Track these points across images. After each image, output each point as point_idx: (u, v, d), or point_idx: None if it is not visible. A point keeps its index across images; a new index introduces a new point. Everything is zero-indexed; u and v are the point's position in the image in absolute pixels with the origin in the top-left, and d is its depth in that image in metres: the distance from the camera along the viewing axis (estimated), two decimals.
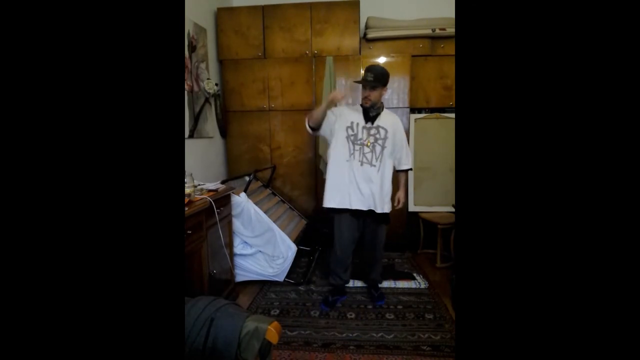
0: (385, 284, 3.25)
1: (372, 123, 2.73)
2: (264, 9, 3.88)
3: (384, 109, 2.80)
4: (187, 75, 3.27)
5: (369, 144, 2.70)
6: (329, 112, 2.73)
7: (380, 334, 2.48)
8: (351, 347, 2.34)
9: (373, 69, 2.63)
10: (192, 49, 3.38)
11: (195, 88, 3.41)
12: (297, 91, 3.92)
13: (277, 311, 2.85)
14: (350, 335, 2.48)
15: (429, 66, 3.94)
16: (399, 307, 2.87)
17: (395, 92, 3.87)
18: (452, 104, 3.97)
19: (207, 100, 3.61)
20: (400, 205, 2.91)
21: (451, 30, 3.81)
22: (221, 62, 4.02)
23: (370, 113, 2.73)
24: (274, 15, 3.87)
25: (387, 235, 3.98)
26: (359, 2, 3.80)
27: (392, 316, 2.73)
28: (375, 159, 2.71)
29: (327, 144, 3.79)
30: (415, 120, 4.04)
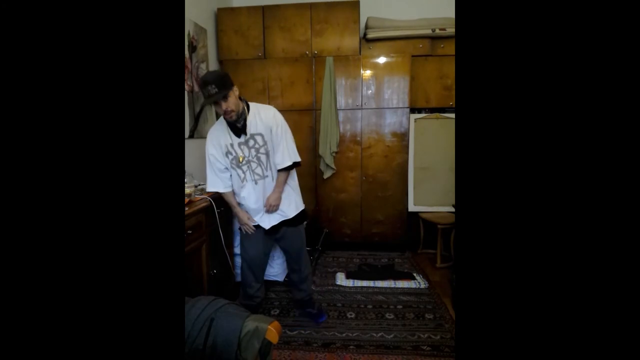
0: (386, 283, 3.24)
1: (245, 134, 2.34)
2: (264, 9, 3.88)
3: (250, 109, 2.36)
4: (187, 76, 3.27)
5: (253, 158, 2.38)
6: (216, 154, 2.40)
7: (380, 334, 2.48)
8: (351, 347, 2.34)
9: (209, 79, 2.15)
10: (193, 49, 3.37)
11: (196, 88, 3.41)
12: (297, 91, 3.91)
13: (277, 311, 2.84)
14: (350, 335, 2.48)
15: (429, 66, 3.93)
16: (399, 307, 2.86)
17: (395, 92, 3.86)
18: (452, 104, 3.96)
19: None
20: (268, 208, 2.45)
21: (451, 30, 3.81)
22: (221, 62, 4.02)
23: (238, 124, 2.32)
24: (274, 15, 3.87)
25: (387, 234, 4.08)
26: (358, 2, 3.79)
27: (392, 316, 2.72)
28: (266, 169, 2.41)
29: (326, 145, 3.82)
30: (415, 120, 4.04)
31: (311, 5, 3.83)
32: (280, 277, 3.24)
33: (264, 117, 2.36)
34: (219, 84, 2.13)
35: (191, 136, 3.33)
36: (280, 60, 3.91)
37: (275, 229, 2.53)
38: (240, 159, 2.37)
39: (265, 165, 2.40)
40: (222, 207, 2.61)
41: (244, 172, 2.39)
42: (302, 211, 2.62)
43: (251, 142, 2.35)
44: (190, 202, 2.41)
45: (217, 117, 3.78)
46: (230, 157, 2.37)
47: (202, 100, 3.47)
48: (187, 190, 2.36)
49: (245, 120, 2.32)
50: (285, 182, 2.47)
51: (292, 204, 2.55)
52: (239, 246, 3.10)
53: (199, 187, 2.76)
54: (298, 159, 2.47)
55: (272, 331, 1.39)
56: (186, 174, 2.35)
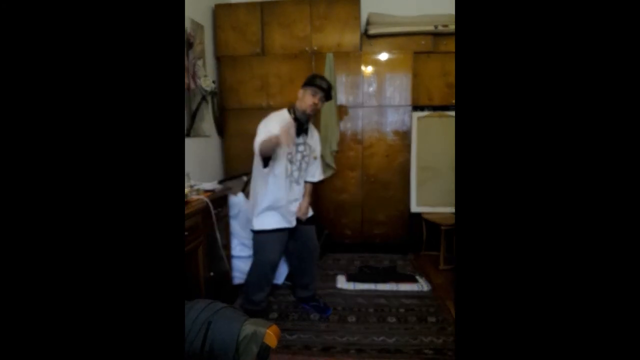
0: (387, 286, 3.18)
1: (306, 135, 2.57)
2: (262, 5, 3.83)
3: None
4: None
5: (297, 162, 2.56)
6: (272, 128, 2.27)
7: (381, 338, 2.43)
8: (352, 352, 2.29)
9: (327, 80, 2.54)
10: (189, 45, 3.31)
11: (192, 86, 3.34)
12: (297, 88, 3.68)
13: (276, 314, 2.79)
14: (351, 339, 2.43)
15: (432, 63, 3.87)
16: (401, 310, 2.80)
17: (397, 89, 3.81)
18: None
19: (204, 98, 3.53)
20: (302, 215, 2.67)
21: (454, 26, 3.73)
22: (218, 59, 3.96)
23: (305, 125, 2.54)
24: (273, 11, 3.81)
25: (389, 235, 4.05)
26: None
27: (394, 320, 2.67)
28: (300, 178, 2.62)
29: (326, 144, 3.75)
30: (418, 118, 3.98)
31: (311, 0, 3.77)
32: (280, 280, 3.18)
33: (315, 135, 2.70)
34: (330, 87, 2.51)
35: (187, 135, 3.27)
36: (279, 57, 3.85)
37: (295, 228, 2.68)
38: (298, 160, 2.56)
39: (302, 173, 2.62)
40: (218, 207, 2.57)
41: (291, 170, 2.54)
42: (314, 215, 2.83)
43: (301, 147, 2.55)
44: (187, 202, 2.36)
45: (214, 115, 3.77)
46: (287, 149, 2.44)
47: (200, 92, 3.41)
48: None
49: (309, 126, 2.59)
50: (312, 191, 2.79)
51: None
52: (236, 248, 3.09)
53: (195, 187, 2.69)
54: (322, 177, 2.87)
55: (271, 335, 1.40)
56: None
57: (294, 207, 2.62)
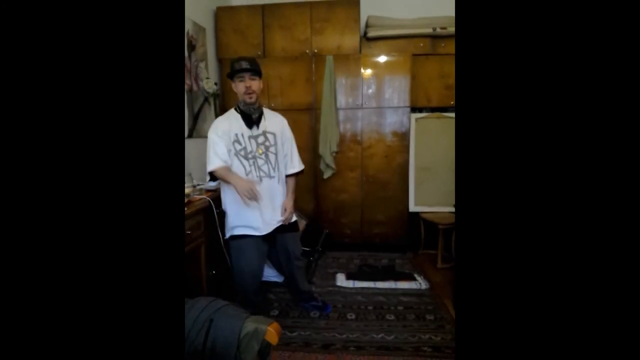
0: (386, 284, 3.21)
1: (257, 128, 2.40)
2: (263, 7, 3.87)
3: (264, 108, 2.49)
4: (186, 75, 3.25)
5: (260, 152, 2.39)
6: (216, 139, 2.33)
7: (380, 335, 2.46)
8: (351, 348, 2.32)
9: (244, 58, 2.34)
10: (191, 48, 3.36)
11: (194, 87, 3.39)
12: (297, 90, 3.89)
13: (277, 312, 2.82)
14: (351, 336, 2.46)
15: (430, 65, 3.90)
16: (400, 308, 2.84)
17: (396, 91, 3.84)
18: (453, 104, 3.92)
19: (206, 99, 3.58)
20: (287, 215, 2.52)
21: (452, 29, 3.77)
22: (220, 61, 4.00)
23: (253, 115, 2.38)
24: (274, 14, 3.85)
25: (388, 235, 4.08)
26: (359, 0, 3.77)
27: (393, 317, 2.70)
28: (272, 170, 2.42)
29: (326, 145, 3.79)
30: (416, 119, 4.01)
31: (311, 3, 3.81)
32: (280, 278, 3.21)
33: (277, 120, 2.53)
34: (250, 63, 2.31)
35: (190, 136, 3.31)
36: (280, 59, 3.89)
37: (273, 235, 2.51)
38: (260, 152, 2.41)
39: (273, 165, 2.44)
40: (220, 207, 2.59)
41: (250, 166, 2.37)
42: (296, 220, 2.70)
43: (261, 139, 2.40)
44: (189, 202, 2.40)
45: (216, 117, 3.78)
46: (239, 147, 2.35)
47: (202, 94, 3.45)
48: (185, 190, 2.34)
49: (261, 114, 2.43)
50: (294, 188, 2.61)
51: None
52: None
53: (198, 187, 2.74)
54: (303, 167, 2.65)
55: (272, 332, 1.40)
56: (185, 173, 2.33)
57: (276, 207, 2.49)
